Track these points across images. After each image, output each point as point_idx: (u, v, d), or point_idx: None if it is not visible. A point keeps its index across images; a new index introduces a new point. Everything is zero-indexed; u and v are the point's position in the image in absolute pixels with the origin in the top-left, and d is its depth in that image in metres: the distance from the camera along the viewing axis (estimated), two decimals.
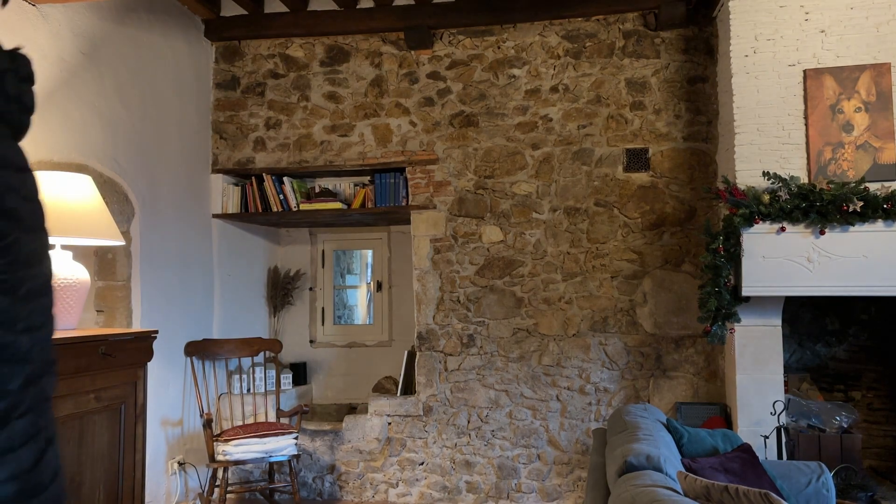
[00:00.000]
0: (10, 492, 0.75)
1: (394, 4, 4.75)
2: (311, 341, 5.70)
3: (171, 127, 4.53)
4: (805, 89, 3.87)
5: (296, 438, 4.31)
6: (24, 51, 0.92)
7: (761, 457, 3.30)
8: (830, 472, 3.16)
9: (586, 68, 4.70)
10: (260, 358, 5.02)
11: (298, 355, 5.64)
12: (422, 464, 4.75)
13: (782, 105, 3.91)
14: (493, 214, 4.76)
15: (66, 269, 2.95)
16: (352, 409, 5.29)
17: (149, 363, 3.24)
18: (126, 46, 4.09)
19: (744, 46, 3.97)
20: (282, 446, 4.23)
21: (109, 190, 3.87)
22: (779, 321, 3.96)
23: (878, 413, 4.36)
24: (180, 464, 4.45)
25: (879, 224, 3.62)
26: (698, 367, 4.48)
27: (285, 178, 4.98)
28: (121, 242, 3.25)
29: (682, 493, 2.10)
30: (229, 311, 5.06)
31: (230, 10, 4.89)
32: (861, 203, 3.57)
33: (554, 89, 4.72)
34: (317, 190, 5.12)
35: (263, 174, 4.99)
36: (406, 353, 5.03)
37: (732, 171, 3.96)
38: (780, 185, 3.77)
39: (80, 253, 3.53)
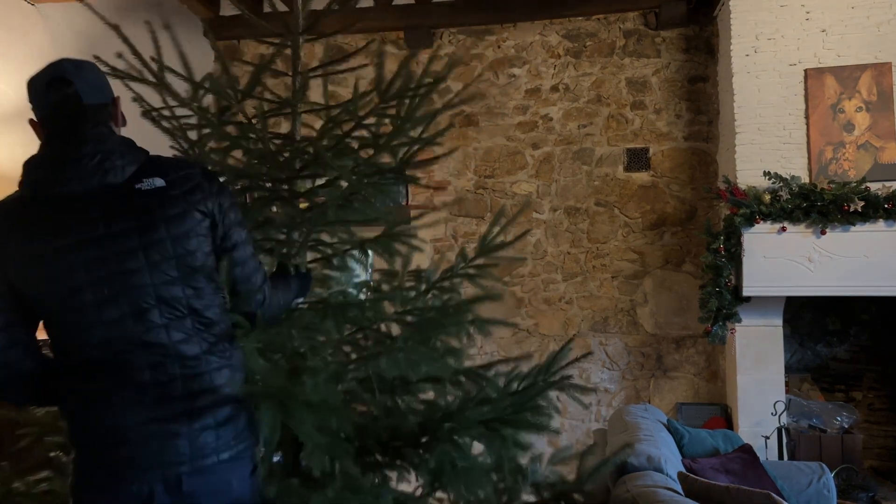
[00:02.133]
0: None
1: (393, 4, 4.73)
2: None
3: None
4: (806, 89, 3.86)
5: None
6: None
7: (762, 457, 3.29)
8: (831, 472, 3.15)
9: (587, 68, 4.69)
10: None
11: None
12: None
13: (783, 104, 3.90)
14: (493, 214, 4.74)
15: None
16: None
17: None
18: (125, 46, 4.07)
19: (744, 46, 3.96)
20: None
21: None
22: (780, 321, 3.95)
23: (879, 413, 4.35)
24: None
25: (880, 224, 3.61)
26: (699, 368, 4.47)
27: None
28: None
29: (682, 493, 2.09)
30: None
31: (230, 9, 4.88)
32: (862, 203, 3.57)
33: (554, 89, 4.71)
34: None
35: None
36: None
37: (733, 170, 3.95)
38: (781, 184, 3.76)
39: None
